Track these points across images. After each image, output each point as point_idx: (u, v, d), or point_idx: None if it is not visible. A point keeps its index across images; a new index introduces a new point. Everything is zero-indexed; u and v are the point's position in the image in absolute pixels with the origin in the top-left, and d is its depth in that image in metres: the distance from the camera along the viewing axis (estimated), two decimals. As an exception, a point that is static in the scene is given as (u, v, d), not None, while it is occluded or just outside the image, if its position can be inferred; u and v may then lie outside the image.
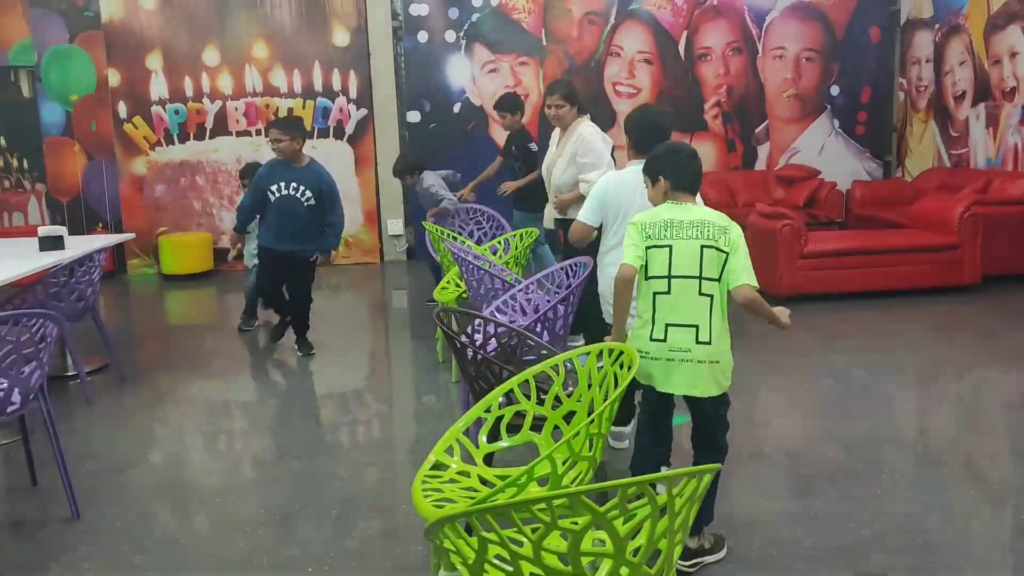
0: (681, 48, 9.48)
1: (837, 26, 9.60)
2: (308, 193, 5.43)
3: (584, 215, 3.60)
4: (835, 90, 9.70)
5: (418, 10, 9.14)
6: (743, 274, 2.74)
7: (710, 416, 2.89)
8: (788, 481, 3.65)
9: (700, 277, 2.73)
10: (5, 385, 3.29)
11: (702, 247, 2.74)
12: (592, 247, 3.78)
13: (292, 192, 5.43)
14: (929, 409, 4.64)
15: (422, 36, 9.18)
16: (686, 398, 2.85)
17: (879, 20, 9.62)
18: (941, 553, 3.00)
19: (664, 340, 2.76)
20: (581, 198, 4.70)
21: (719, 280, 2.75)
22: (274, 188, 5.44)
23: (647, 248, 2.78)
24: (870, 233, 7.51)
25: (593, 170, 4.77)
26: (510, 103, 6.45)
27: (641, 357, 2.76)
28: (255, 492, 3.73)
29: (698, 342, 2.74)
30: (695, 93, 9.58)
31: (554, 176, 5.10)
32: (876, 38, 9.66)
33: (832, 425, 4.24)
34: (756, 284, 2.76)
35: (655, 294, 2.79)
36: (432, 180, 6.83)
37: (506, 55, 9.27)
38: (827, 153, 9.65)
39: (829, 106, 9.73)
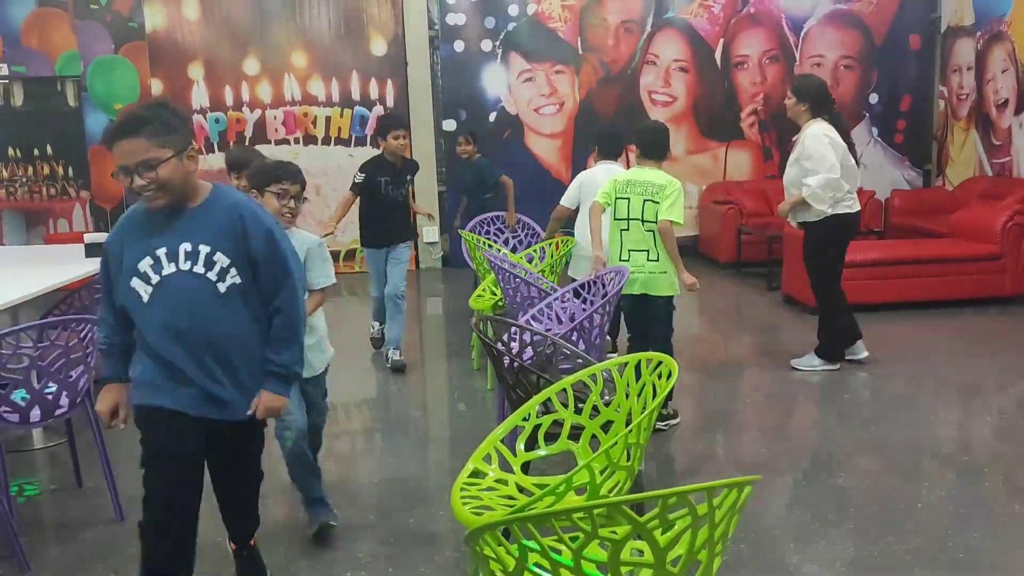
0: (718, 56, 9.45)
1: (876, 33, 9.50)
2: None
3: (564, 200, 5.44)
4: (874, 98, 9.60)
5: (455, 19, 9.21)
6: (664, 213, 4.21)
7: (662, 312, 4.36)
8: (826, 493, 3.61)
9: (642, 220, 4.29)
10: (54, 389, 3.37)
11: (644, 200, 4.28)
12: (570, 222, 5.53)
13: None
14: (970, 422, 4.57)
15: (458, 45, 9.25)
16: (645, 303, 4.34)
17: (919, 28, 9.51)
18: (982, 568, 2.96)
19: (628, 260, 4.34)
20: (802, 201, 4.97)
21: (655, 221, 4.25)
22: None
23: (616, 198, 4.38)
24: (909, 243, 7.42)
25: (814, 174, 4.87)
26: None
27: None
28: (292, 497, 3.77)
29: (648, 260, 4.31)
30: (731, 101, 9.53)
31: (784, 176, 5.21)
32: (916, 46, 9.55)
33: (870, 436, 4.19)
34: (677, 221, 4.20)
35: (621, 231, 4.38)
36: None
37: (542, 64, 9.31)
38: (866, 162, 9.55)
39: (868, 114, 9.63)
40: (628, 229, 4.33)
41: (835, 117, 5.05)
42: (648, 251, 4.28)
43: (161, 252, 2.35)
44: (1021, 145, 8.26)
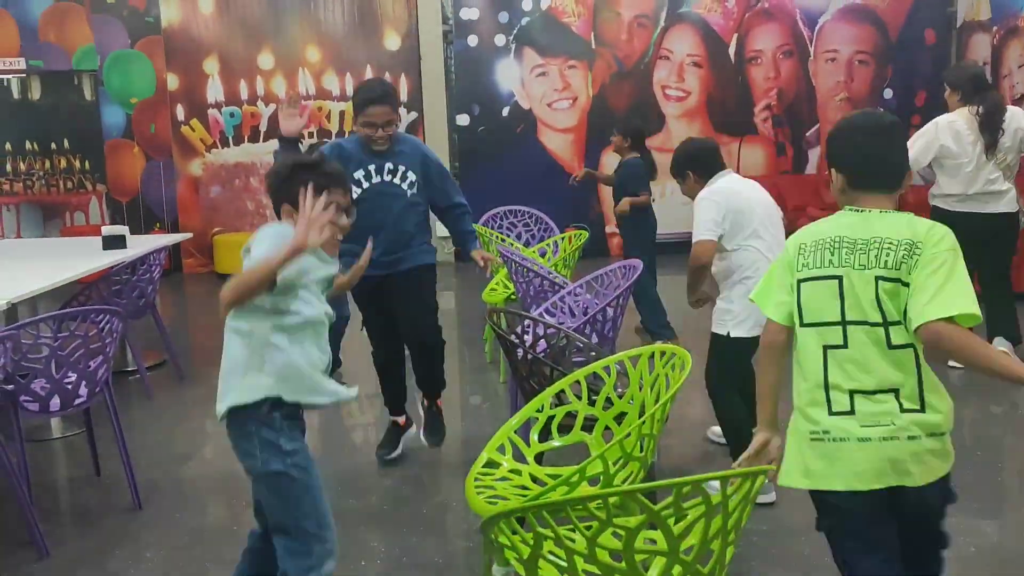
0: (731, 51, 9.42)
1: (891, 28, 9.46)
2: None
3: (705, 232, 3.40)
4: (888, 93, 9.56)
5: (468, 14, 9.21)
6: (932, 307, 1.88)
7: (935, 511, 2.03)
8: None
9: (884, 321, 1.95)
10: (73, 378, 3.41)
11: (876, 278, 1.95)
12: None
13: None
14: (983, 418, 4.55)
15: (472, 40, 9.26)
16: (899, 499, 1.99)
17: (935, 22, 9.46)
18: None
19: (850, 413, 1.96)
20: None
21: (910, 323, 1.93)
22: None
23: (806, 278, 2.05)
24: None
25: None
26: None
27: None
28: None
29: (904, 410, 1.93)
30: (745, 96, 9.51)
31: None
32: (931, 40, 9.49)
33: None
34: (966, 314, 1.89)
35: (825, 348, 2.00)
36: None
37: (555, 59, 9.31)
38: (880, 157, 9.50)
39: (882, 109, 9.57)
40: (845, 345, 1.98)
41: (985, 102, 4.73)
42: (900, 389, 1.94)
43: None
44: (1037, 141, 8.20)
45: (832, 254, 2.00)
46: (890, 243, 1.95)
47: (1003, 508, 3.44)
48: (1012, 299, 5.06)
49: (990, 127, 4.69)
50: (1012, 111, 4.83)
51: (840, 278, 1.97)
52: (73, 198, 9.37)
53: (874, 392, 1.93)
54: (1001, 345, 4.85)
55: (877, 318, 1.93)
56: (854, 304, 1.95)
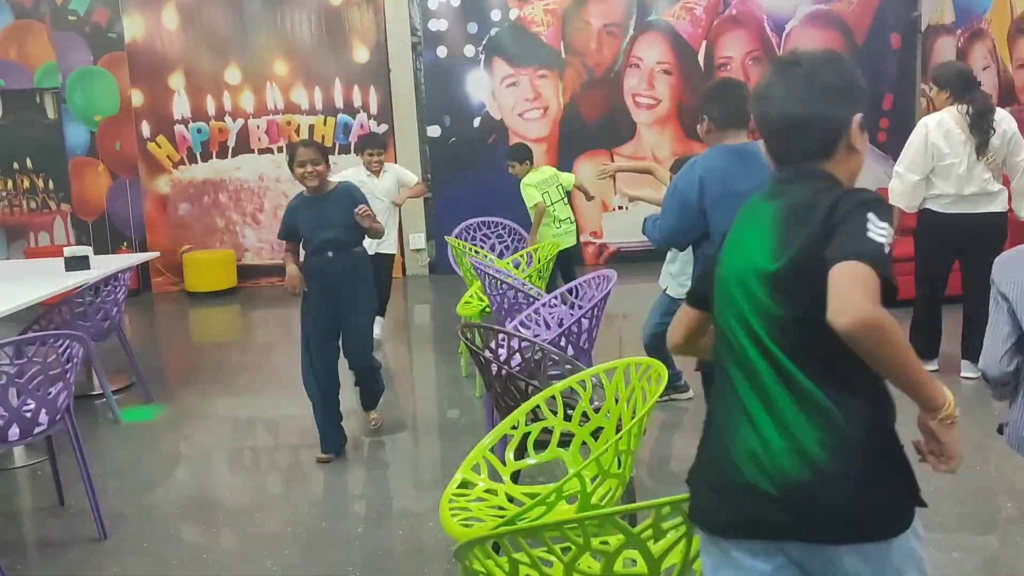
0: (700, 58, 9.44)
1: (857, 33, 9.52)
2: None
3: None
4: (857, 97, 9.61)
5: (437, 25, 9.16)
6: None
7: None
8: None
9: None
10: (32, 406, 3.30)
11: None
12: None
13: None
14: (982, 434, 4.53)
15: (441, 51, 9.20)
16: None
17: (900, 27, 9.54)
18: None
19: None
20: None
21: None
22: None
23: None
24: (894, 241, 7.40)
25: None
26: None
27: None
28: (281, 510, 3.71)
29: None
30: (715, 103, 9.52)
31: None
32: (897, 44, 9.57)
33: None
34: None
35: None
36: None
37: (525, 69, 9.27)
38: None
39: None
40: None
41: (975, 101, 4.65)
42: None
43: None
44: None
45: None
46: None
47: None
48: None
49: (980, 126, 4.60)
50: (1000, 113, 4.76)
51: None
52: (37, 218, 9.18)
53: None
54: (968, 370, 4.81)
55: None
56: None
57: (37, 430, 3.33)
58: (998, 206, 4.76)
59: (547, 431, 2.76)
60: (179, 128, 9.09)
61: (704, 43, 9.42)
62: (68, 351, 3.36)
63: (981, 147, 4.60)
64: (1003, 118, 4.73)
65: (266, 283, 9.20)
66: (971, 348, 4.64)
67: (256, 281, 9.20)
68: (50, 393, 3.30)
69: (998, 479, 3.71)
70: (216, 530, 3.56)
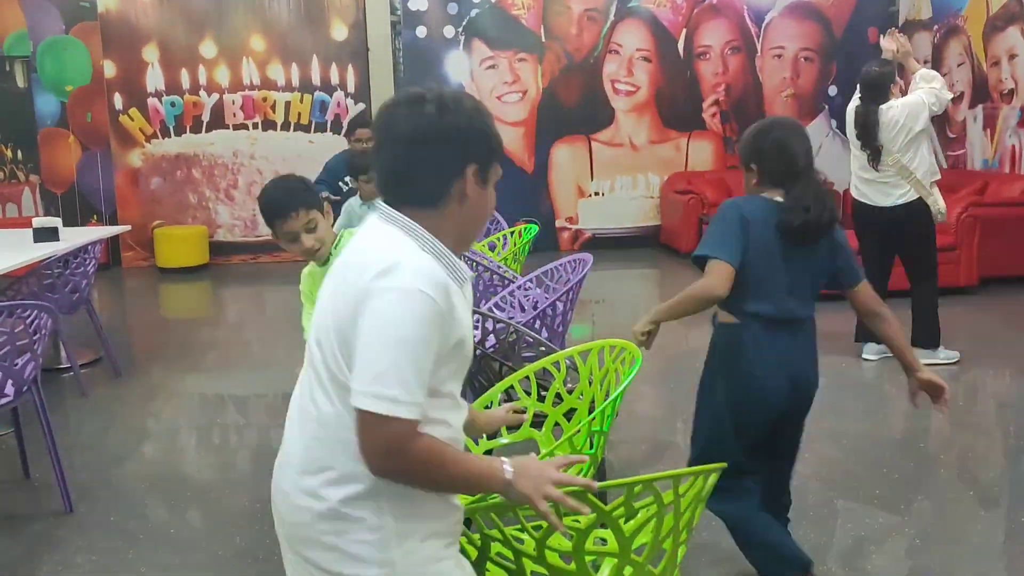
0: (680, 46, 9.45)
1: (836, 26, 9.58)
2: None
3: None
4: (833, 90, 9.68)
5: (417, 5, 9.09)
6: None
7: None
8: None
9: None
10: (-1, 377, 3.25)
11: None
12: None
13: None
14: (923, 411, 4.62)
15: (421, 31, 9.14)
16: None
17: (877, 21, 9.60)
18: (939, 559, 2.99)
19: None
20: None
21: None
22: None
23: None
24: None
25: None
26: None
27: None
28: (249, 486, 3.69)
29: None
30: (693, 91, 9.55)
31: None
32: (874, 39, 9.63)
33: (831, 425, 4.22)
34: None
35: None
36: None
37: (504, 51, 9.23)
38: (825, 153, 9.62)
39: (827, 106, 9.71)
40: None
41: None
42: None
43: None
44: (975, 138, 8.39)
45: None
46: None
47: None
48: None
49: (866, 139, 5.08)
50: (889, 110, 5.15)
51: None
52: (5, 189, 9.02)
53: None
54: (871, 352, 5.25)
55: None
56: None
57: (3, 401, 3.28)
58: (904, 197, 5.15)
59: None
60: (152, 101, 8.96)
61: (684, 31, 9.43)
62: (36, 322, 3.31)
63: (874, 157, 5.02)
64: (888, 111, 5.16)
65: (238, 260, 9.12)
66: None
67: (228, 258, 9.11)
68: (17, 364, 3.25)
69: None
70: (184, 505, 3.53)
